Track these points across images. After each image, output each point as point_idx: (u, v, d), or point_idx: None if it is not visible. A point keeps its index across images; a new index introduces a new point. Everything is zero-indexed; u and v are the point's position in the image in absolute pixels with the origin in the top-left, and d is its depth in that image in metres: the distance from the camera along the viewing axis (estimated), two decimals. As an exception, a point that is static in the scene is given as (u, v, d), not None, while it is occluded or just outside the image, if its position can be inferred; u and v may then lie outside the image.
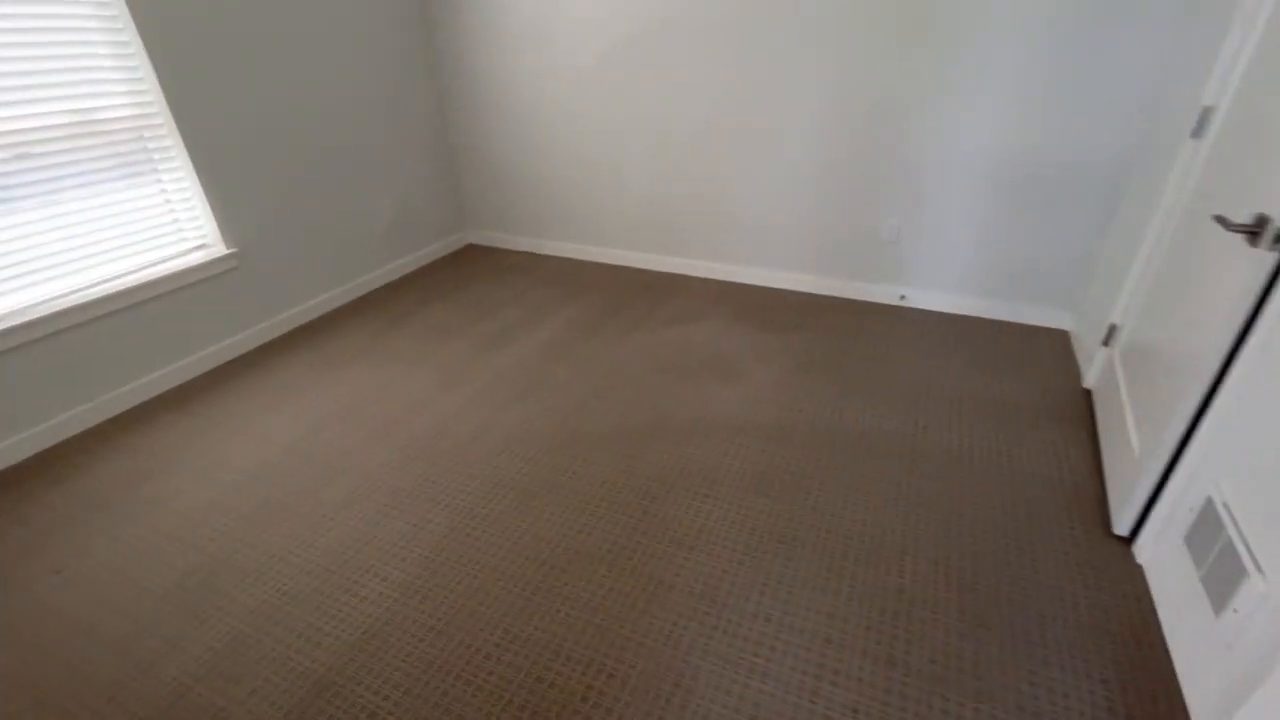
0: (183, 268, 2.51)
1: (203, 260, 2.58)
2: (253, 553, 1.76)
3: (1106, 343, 2.22)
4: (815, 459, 2.02)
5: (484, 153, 3.72)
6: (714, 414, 2.27)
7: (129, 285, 2.35)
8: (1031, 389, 2.35)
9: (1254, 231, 1.30)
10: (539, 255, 3.86)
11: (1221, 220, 1.37)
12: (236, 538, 1.81)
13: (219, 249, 2.66)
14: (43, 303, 2.15)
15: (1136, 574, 1.58)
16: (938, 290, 2.95)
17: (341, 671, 1.43)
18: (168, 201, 2.46)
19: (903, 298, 3.03)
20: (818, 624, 1.48)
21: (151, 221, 2.42)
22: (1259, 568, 1.15)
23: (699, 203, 3.26)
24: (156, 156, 2.40)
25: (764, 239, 3.20)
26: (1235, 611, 1.19)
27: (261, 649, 1.49)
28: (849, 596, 1.55)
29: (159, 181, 2.42)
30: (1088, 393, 2.33)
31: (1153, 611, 1.49)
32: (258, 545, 1.78)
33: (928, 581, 1.58)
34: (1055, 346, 2.64)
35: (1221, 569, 1.26)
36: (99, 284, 2.30)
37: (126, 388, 2.42)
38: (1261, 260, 1.28)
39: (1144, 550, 1.60)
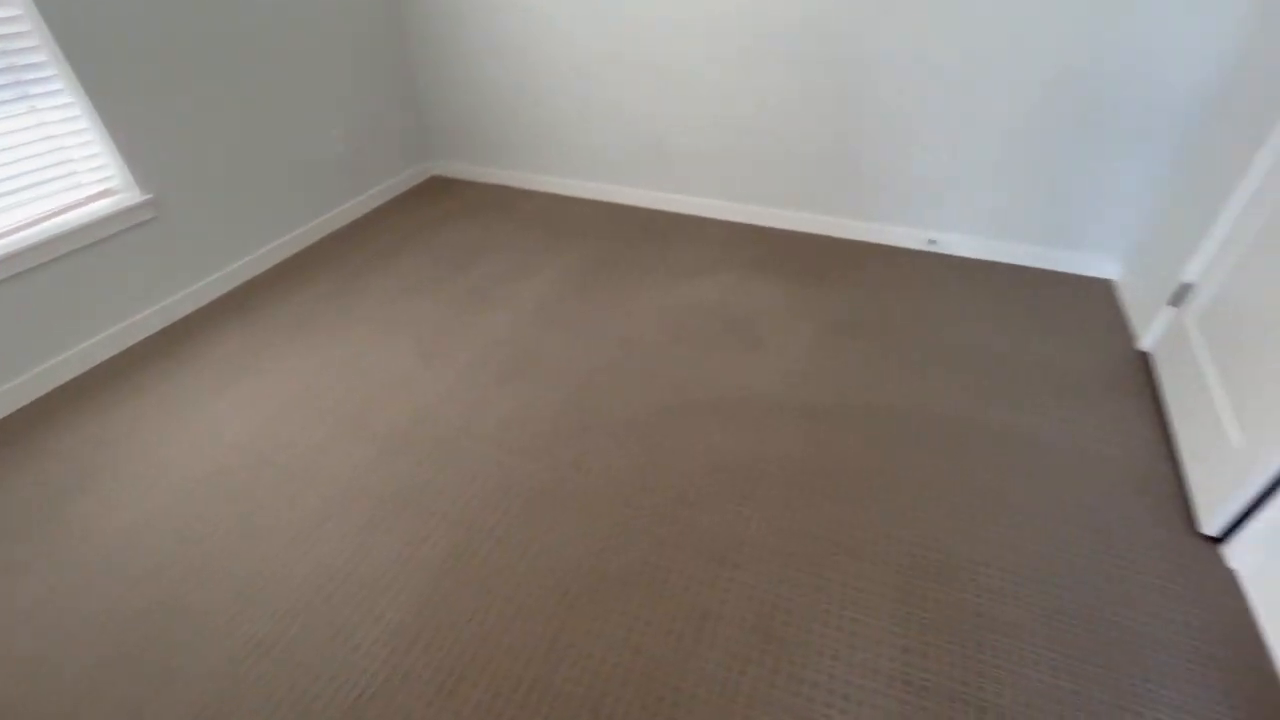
0: (81, 222, 2.02)
1: (109, 211, 2.09)
2: (214, 591, 1.46)
3: (1175, 303, 1.99)
4: (863, 445, 1.79)
5: (450, 67, 3.14)
6: (744, 390, 1.99)
7: (6, 249, 1.87)
8: (1083, 351, 2.13)
9: None
10: (517, 190, 3.39)
11: None
12: (191, 569, 1.50)
13: (129, 196, 2.16)
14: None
15: (1230, 581, 1.43)
16: (970, 234, 2.66)
17: (337, 749, 1.19)
18: (49, 137, 1.93)
19: (932, 241, 2.73)
20: (894, 662, 1.29)
21: (30, 164, 1.91)
22: None
23: (704, 128, 2.83)
24: (27, 77, 1.85)
25: (779, 173, 2.82)
26: (1404, 666, 1.02)
27: (234, 722, 1.23)
28: (924, 624, 1.36)
29: (34, 110, 1.89)
30: (1143, 355, 2.12)
31: (1252, 624, 1.34)
32: (218, 580, 1.48)
33: (1006, 600, 1.40)
34: (1101, 299, 2.41)
35: (1379, 610, 1.08)
36: (-27, 248, 1.83)
37: (21, 379, 1.99)
38: None
39: (1239, 555, 1.44)
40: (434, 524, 1.60)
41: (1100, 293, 2.45)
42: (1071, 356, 2.12)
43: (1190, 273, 1.93)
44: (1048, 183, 2.42)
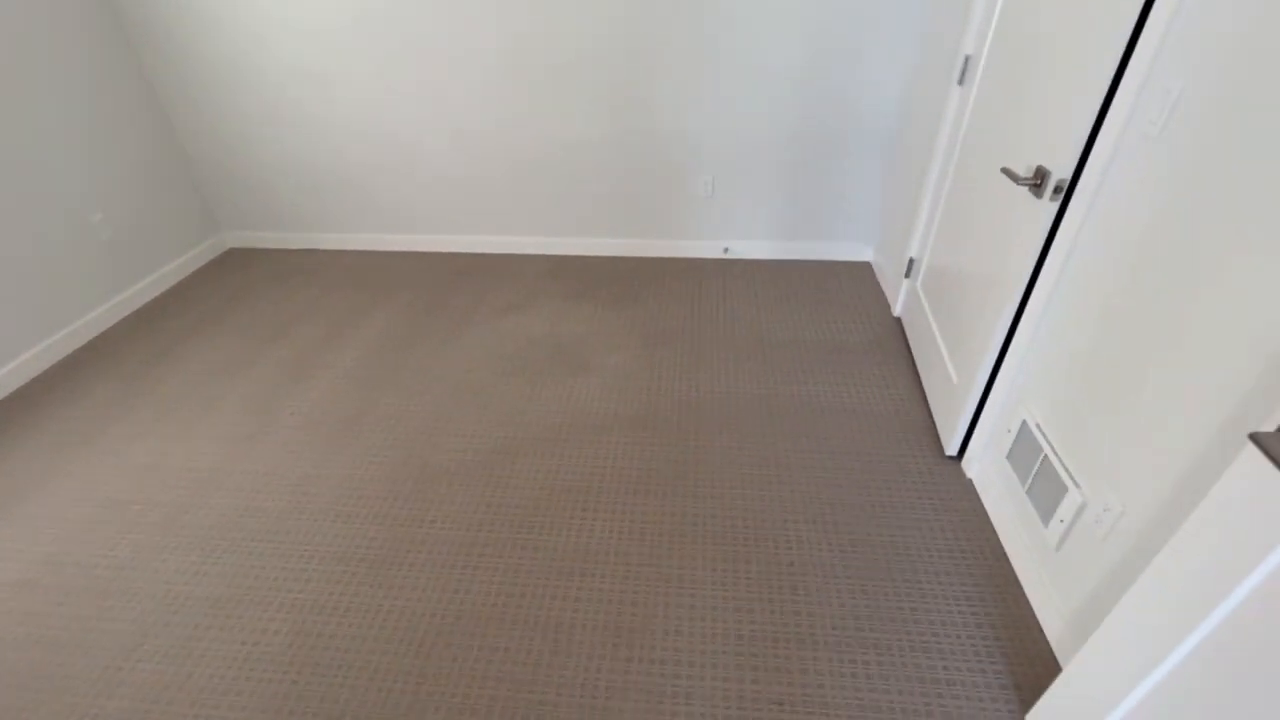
0: None
1: None
2: (4, 753, 1.29)
3: (908, 274, 2.45)
4: (685, 441, 1.99)
5: (224, 136, 2.99)
6: (576, 414, 2.13)
7: None
8: (853, 324, 2.54)
9: (1035, 183, 1.44)
10: (322, 252, 3.29)
11: (1008, 173, 1.50)
12: (-29, 738, 1.31)
13: None
14: None
15: (969, 488, 1.80)
16: (757, 239, 3.05)
17: None
18: None
19: (726, 250, 3.08)
20: (727, 622, 1.47)
21: None
22: (1075, 483, 1.34)
23: (505, 174, 2.97)
24: None
25: (584, 207, 3.03)
26: (1061, 521, 1.38)
27: None
28: (749, 583, 1.56)
29: None
30: (898, 320, 2.58)
31: (986, 519, 1.71)
32: (10, 739, 1.31)
33: (812, 544, 1.65)
34: (863, 279, 2.88)
35: (1045, 485, 1.45)
36: None
37: None
38: (1043, 210, 1.42)
39: (972, 465, 1.82)
40: (272, 613, 1.53)
41: (864, 274, 2.93)
42: (845, 331, 2.51)
43: (912, 249, 2.40)
44: (811, 190, 2.86)
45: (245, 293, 2.93)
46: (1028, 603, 1.49)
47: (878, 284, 2.84)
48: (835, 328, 2.53)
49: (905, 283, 2.48)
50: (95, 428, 2.13)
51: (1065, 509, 1.36)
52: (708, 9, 2.45)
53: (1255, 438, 0.71)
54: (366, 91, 2.78)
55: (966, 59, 1.95)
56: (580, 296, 2.81)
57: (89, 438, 2.09)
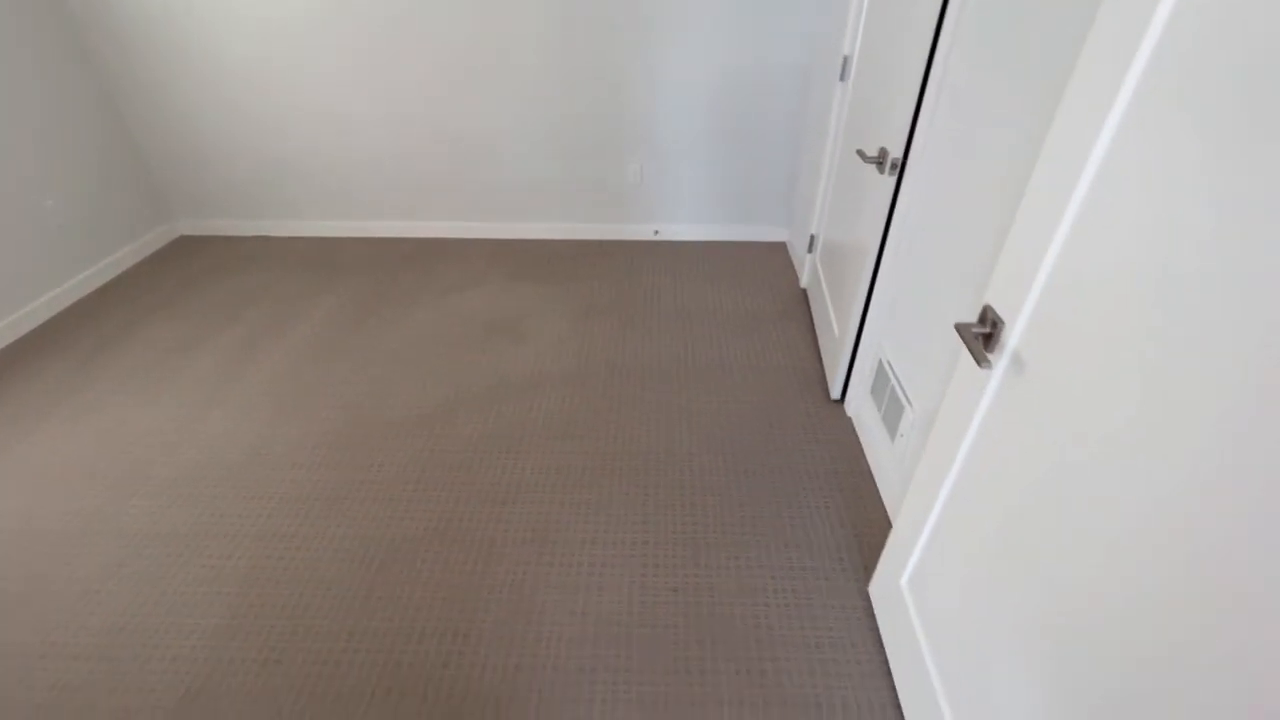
0: None
1: None
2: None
3: (810, 249, 2.77)
4: (610, 396, 2.26)
5: (173, 124, 3.11)
6: (512, 375, 2.37)
7: None
8: (767, 296, 2.86)
9: (879, 161, 1.75)
10: (276, 239, 3.43)
11: (860, 153, 1.81)
12: (-38, 652, 1.48)
13: None
14: None
15: (848, 424, 2.12)
16: (684, 222, 3.34)
17: (168, 740, 1.32)
18: None
19: (656, 232, 3.36)
20: (634, 534, 1.74)
21: None
22: (909, 402, 1.66)
23: (448, 163, 3.18)
24: None
25: (521, 194, 3.26)
26: (902, 435, 1.69)
27: (50, 757, 1.29)
28: (655, 504, 1.83)
29: None
30: (804, 292, 2.90)
31: (860, 447, 2.02)
32: (3, 649, 1.48)
33: (711, 472, 1.94)
34: (778, 257, 3.21)
35: (892, 408, 1.77)
36: None
37: None
38: (887, 183, 1.74)
39: (850, 405, 2.14)
40: (235, 543, 1.73)
41: (778, 253, 3.25)
42: (759, 301, 2.82)
43: (813, 226, 2.72)
44: (732, 177, 3.16)
45: (199, 277, 3.06)
46: (883, 507, 1.81)
47: (790, 261, 3.17)
48: (749, 300, 2.84)
49: (809, 257, 2.80)
50: (51, 401, 2.27)
51: (905, 424, 1.68)
52: (635, 15, 2.72)
53: (957, 327, 1.01)
54: (315, 80, 2.95)
55: (845, 58, 2.27)
56: (519, 277, 3.04)
57: (45, 411, 2.22)
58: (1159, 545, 0.66)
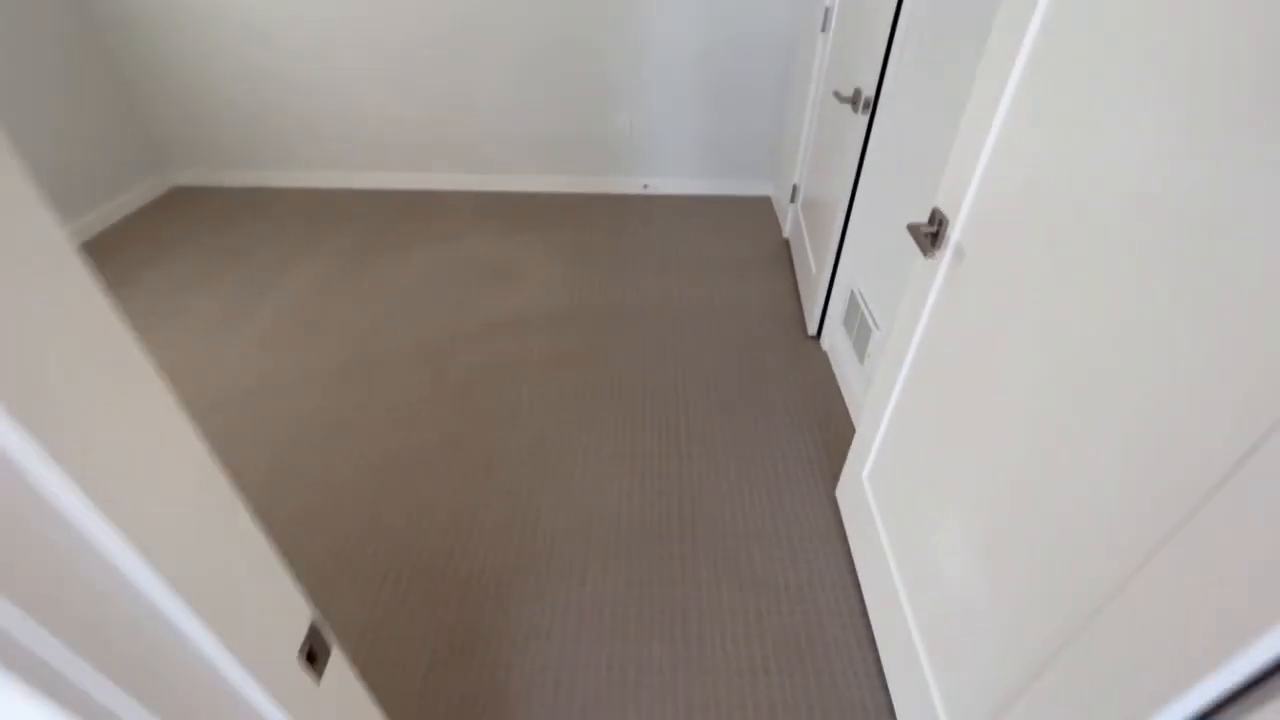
0: None
1: None
2: None
3: (793, 199, 2.89)
4: (602, 333, 2.39)
5: (170, 75, 3.14)
6: (508, 314, 2.49)
7: None
8: (751, 246, 2.98)
9: (853, 101, 1.87)
10: (274, 189, 3.49)
11: (836, 94, 1.93)
12: None
13: None
14: None
15: (824, 357, 2.27)
16: (673, 176, 3.44)
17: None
18: None
19: (646, 186, 3.47)
20: (628, 448, 1.89)
21: None
22: (876, 325, 1.80)
23: (442, 116, 3.24)
24: None
25: (513, 147, 3.34)
26: (869, 356, 1.84)
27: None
28: (646, 425, 1.98)
29: None
30: (786, 241, 3.03)
31: (834, 377, 2.18)
32: None
33: (696, 395, 2.08)
34: (763, 210, 3.33)
35: (861, 334, 1.92)
36: None
37: None
38: (860, 121, 1.86)
39: (826, 339, 2.29)
40: (252, 451, 1.86)
41: (762, 206, 3.37)
42: (743, 250, 2.95)
43: (795, 177, 2.84)
44: (720, 132, 3.26)
45: (198, 225, 3.13)
46: (852, 425, 1.97)
47: (774, 213, 3.29)
48: (734, 249, 2.96)
49: (791, 207, 2.92)
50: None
51: (873, 345, 1.82)
52: (618, -36, 2.78)
53: (909, 226, 1.15)
54: (310, 30, 3.00)
55: (826, 9, 2.37)
56: (514, 226, 3.14)
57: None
58: (1064, 410, 0.80)
